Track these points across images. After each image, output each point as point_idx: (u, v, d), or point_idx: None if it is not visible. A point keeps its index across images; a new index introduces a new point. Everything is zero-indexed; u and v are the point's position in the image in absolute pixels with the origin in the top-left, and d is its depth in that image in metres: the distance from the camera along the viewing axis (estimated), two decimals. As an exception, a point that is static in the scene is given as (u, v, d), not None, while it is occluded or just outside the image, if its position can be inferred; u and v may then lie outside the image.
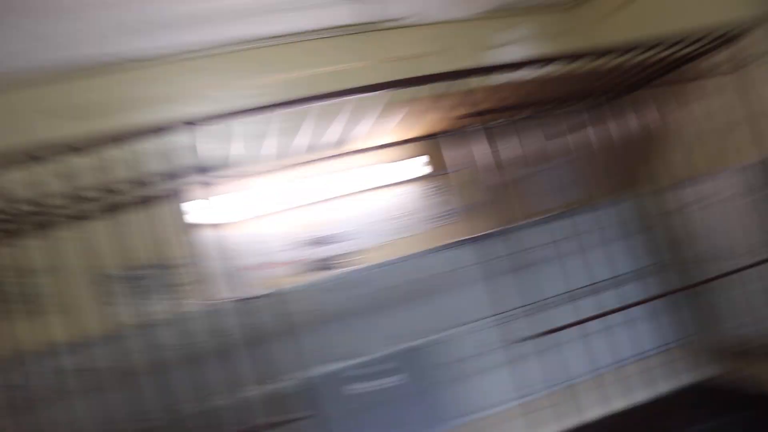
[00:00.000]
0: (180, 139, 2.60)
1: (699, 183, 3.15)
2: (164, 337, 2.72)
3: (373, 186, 3.75)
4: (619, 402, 2.97)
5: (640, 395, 3.01)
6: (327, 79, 3.69)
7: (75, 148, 2.27)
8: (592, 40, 4.02)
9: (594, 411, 2.96)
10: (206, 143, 2.55)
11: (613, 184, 3.28)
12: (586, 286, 2.97)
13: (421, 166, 3.79)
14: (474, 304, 3.60)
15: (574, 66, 2.95)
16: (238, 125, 2.74)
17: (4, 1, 2.62)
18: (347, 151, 3.61)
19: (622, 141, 3.06)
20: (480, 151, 2.82)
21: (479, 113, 3.14)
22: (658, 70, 3.10)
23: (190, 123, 2.37)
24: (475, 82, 2.86)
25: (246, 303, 2.95)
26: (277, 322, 2.74)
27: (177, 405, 2.56)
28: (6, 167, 2.25)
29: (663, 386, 3.07)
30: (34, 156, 2.23)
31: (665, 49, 2.88)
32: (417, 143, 3.86)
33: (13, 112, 3.04)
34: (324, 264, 3.55)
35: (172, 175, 2.70)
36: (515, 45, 4.06)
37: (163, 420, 2.56)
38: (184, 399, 2.66)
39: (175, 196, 2.73)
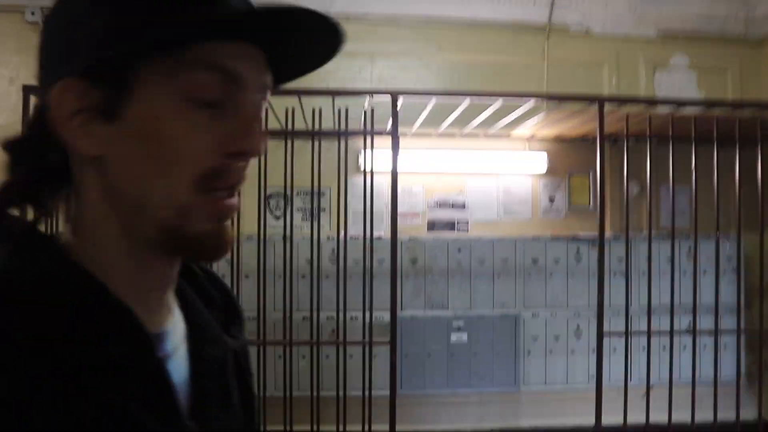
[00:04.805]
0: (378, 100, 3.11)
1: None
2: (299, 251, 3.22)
3: (499, 170, 4.15)
4: (681, 415, 3.25)
5: (702, 415, 3.27)
6: (493, 69, 4.09)
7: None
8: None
9: (657, 416, 3.26)
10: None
11: (729, 222, 3.51)
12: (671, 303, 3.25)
13: (543, 162, 4.15)
14: (566, 294, 4.01)
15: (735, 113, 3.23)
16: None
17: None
18: (487, 134, 4.02)
19: (751, 185, 3.27)
20: (599, 161, 3.12)
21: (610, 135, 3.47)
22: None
23: (395, 94, 2.85)
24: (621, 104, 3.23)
25: (378, 241, 3.40)
26: (397, 263, 3.15)
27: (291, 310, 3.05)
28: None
29: (727, 414, 3.31)
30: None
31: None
32: (543, 141, 4.23)
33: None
34: (448, 226, 3.99)
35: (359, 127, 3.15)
36: (683, 72, 4.31)
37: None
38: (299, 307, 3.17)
39: (352, 140, 3.18)
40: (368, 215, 3.09)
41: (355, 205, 3.43)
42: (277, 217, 3.54)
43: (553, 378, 4.07)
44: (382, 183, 3.50)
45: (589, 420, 3.24)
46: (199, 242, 0.66)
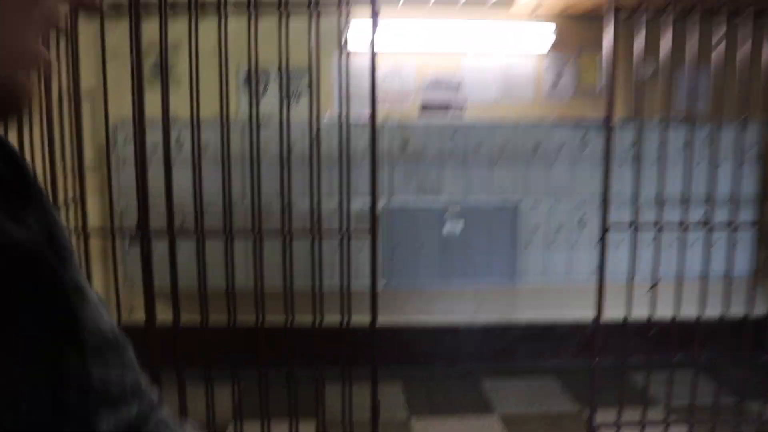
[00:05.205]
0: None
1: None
2: (275, 136, 2.95)
3: (500, 47, 3.82)
4: (688, 310, 3.07)
5: (710, 311, 3.10)
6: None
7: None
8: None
9: (662, 311, 3.08)
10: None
11: (748, 106, 3.21)
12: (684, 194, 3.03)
13: (548, 37, 3.79)
14: (570, 183, 3.74)
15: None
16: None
17: None
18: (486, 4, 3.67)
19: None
20: (613, 39, 2.81)
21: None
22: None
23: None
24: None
25: (363, 126, 3.15)
26: (377, 149, 2.91)
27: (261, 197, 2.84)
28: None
29: (736, 309, 3.14)
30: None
31: None
32: (548, 15, 3.84)
33: None
34: (442, 108, 3.71)
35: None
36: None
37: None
38: (272, 193, 2.95)
39: (327, 14, 2.85)
40: (344, 96, 2.82)
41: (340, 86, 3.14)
42: (258, 101, 3.28)
43: (552, 271, 3.89)
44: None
45: (589, 315, 3.08)
46: (27, 94, 0.60)
